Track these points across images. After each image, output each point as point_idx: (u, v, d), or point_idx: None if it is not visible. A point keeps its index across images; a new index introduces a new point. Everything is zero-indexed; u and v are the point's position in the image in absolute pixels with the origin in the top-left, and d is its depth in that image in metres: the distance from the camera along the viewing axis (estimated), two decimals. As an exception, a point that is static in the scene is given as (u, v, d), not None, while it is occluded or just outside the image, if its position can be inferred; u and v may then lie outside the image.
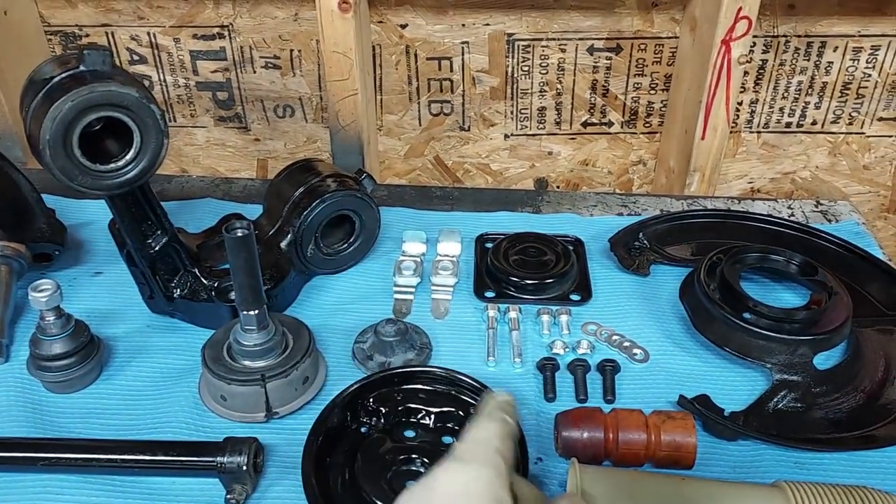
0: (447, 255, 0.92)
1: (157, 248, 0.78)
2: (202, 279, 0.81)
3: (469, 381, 0.71)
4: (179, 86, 1.28)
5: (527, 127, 1.29)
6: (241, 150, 1.33)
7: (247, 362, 0.71)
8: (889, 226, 1.36)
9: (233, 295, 0.76)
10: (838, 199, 1.03)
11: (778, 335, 0.74)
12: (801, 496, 0.57)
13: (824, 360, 0.77)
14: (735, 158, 1.29)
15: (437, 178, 1.35)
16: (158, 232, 0.77)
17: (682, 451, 0.65)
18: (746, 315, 0.76)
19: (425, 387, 0.72)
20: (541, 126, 1.29)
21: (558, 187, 1.34)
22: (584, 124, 1.28)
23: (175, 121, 1.31)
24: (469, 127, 1.29)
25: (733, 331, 0.76)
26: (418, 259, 0.91)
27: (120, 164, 0.69)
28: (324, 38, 1.05)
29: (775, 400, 0.72)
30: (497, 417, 0.53)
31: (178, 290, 0.81)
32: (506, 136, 1.30)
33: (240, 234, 0.64)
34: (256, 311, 0.69)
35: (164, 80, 1.27)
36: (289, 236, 0.84)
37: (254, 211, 0.95)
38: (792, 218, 0.98)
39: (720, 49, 1.01)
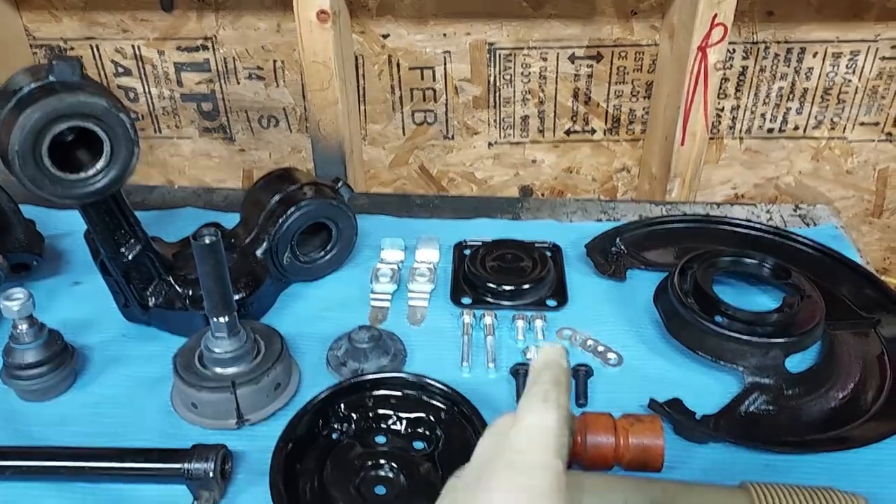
0: (425, 262, 0.93)
1: (130, 257, 0.78)
2: (176, 287, 0.81)
3: (439, 386, 0.71)
4: (164, 97, 1.29)
5: (510, 135, 1.29)
6: (226, 160, 1.34)
7: (217, 369, 0.71)
8: (874, 230, 1.36)
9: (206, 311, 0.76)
10: (819, 204, 1.03)
11: (750, 338, 0.74)
12: (765, 496, 0.57)
13: (798, 363, 0.77)
14: (718, 164, 1.30)
15: (422, 186, 1.35)
16: (132, 240, 0.78)
17: (651, 454, 0.65)
18: (719, 318, 0.76)
19: (396, 392, 0.72)
20: (524, 134, 1.29)
21: (543, 195, 1.35)
22: (568, 132, 1.29)
23: (160, 132, 1.32)
24: (453, 136, 1.30)
25: (706, 334, 0.76)
26: (395, 266, 0.92)
27: (90, 173, 0.69)
28: (303, 48, 1.06)
29: (747, 403, 0.72)
30: (556, 400, 0.47)
31: (153, 299, 0.81)
32: (489, 145, 1.31)
33: (207, 242, 0.65)
34: (226, 318, 0.69)
35: (150, 92, 1.28)
36: (264, 244, 0.85)
37: (235, 220, 0.96)
38: (770, 222, 0.98)
39: (697, 55, 1.02)
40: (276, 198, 0.86)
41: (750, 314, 0.75)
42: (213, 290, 0.67)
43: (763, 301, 0.86)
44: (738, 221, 0.94)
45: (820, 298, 0.79)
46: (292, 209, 0.84)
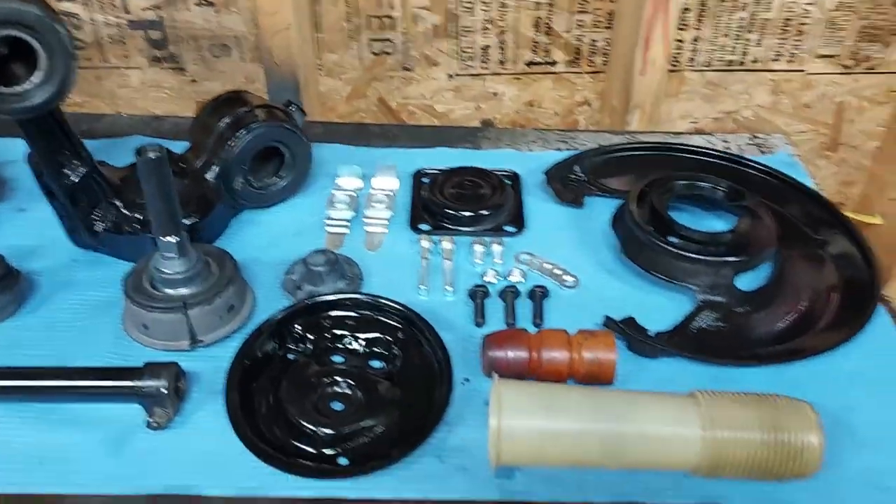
0: (383, 190, 0.91)
1: (75, 180, 0.75)
2: (124, 211, 0.79)
3: (395, 306, 0.71)
4: (111, 25, 1.23)
5: (471, 67, 1.27)
6: (177, 91, 1.29)
7: (168, 290, 0.70)
8: (830, 164, 1.38)
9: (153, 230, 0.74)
10: (775, 133, 1.04)
11: (702, 258, 0.75)
12: (709, 400, 0.59)
13: (749, 282, 0.79)
14: (679, 98, 1.29)
15: (381, 120, 1.33)
16: (75, 162, 0.75)
17: (603, 367, 0.66)
18: (673, 240, 0.77)
19: (352, 313, 0.72)
20: (485, 66, 1.27)
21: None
22: (529, 63, 1.27)
23: (108, 62, 1.27)
24: (412, 67, 1.27)
25: (660, 255, 0.77)
26: (353, 193, 0.90)
27: (27, 87, 0.66)
28: (254, -32, 1.02)
29: (698, 320, 0.73)
30: None
31: (101, 224, 0.79)
32: (450, 77, 1.28)
33: (152, 157, 0.63)
34: (175, 238, 0.68)
35: (94, 19, 1.23)
36: (215, 168, 0.83)
37: (184, 148, 0.93)
38: (728, 150, 0.99)
39: (658, -19, 1.00)
40: (226, 121, 0.84)
41: (703, 235, 0.76)
42: (160, 209, 0.66)
43: (718, 225, 0.87)
44: (694, 148, 0.95)
45: (772, 220, 0.80)
46: (242, 132, 0.82)
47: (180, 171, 0.84)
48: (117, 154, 0.96)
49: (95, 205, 0.78)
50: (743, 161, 0.93)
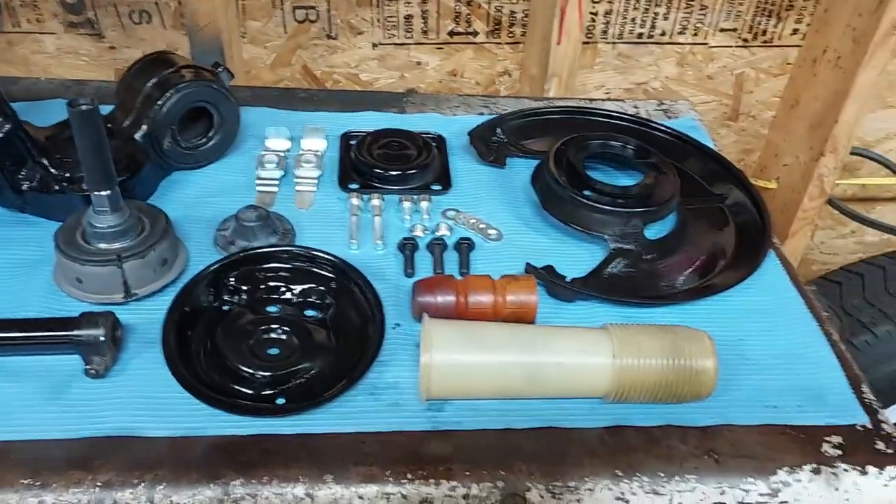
0: (311, 150, 0.94)
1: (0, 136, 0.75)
2: (52, 170, 0.79)
3: (328, 257, 0.74)
4: (23, -13, 1.20)
5: (394, 36, 1.30)
6: (96, 58, 1.27)
7: (102, 244, 0.70)
8: (731, 133, 1.48)
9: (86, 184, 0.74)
10: (681, 100, 1.11)
11: (613, 209, 0.81)
12: (619, 332, 0.65)
13: (656, 232, 0.86)
14: (593, 70, 1.36)
15: (304, 87, 1.34)
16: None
17: (525, 308, 0.71)
18: (588, 193, 0.82)
19: (286, 265, 0.75)
20: (408, 35, 1.30)
21: (428, 98, 1.37)
22: (451, 33, 1.31)
23: (19, 26, 1.24)
24: (336, 35, 1.29)
25: (576, 208, 0.82)
26: (282, 154, 0.92)
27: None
28: (176, -70, 1.01)
29: (611, 266, 0.80)
30: None
31: (27, 183, 0.78)
32: (374, 46, 1.31)
33: (84, 108, 0.63)
34: (108, 192, 0.69)
35: (5, -19, 1.19)
36: (143, 128, 0.83)
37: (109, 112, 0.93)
38: (638, 115, 1.06)
39: (572, -47, 1.06)
40: (153, 81, 0.84)
41: (615, 188, 0.83)
42: (93, 163, 0.66)
43: (629, 181, 0.94)
44: (607, 112, 1.01)
45: (675, 176, 0.87)
46: (170, 92, 0.83)
47: (108, 132, 0.84)
48: (38, 117, 0.94)
49: (21, 164, 0.78)
50: (650, 124, 1.00)
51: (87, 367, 0.64)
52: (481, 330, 0.65)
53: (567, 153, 0.86)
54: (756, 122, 1.46)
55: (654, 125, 0.99)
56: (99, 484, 0.58)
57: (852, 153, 1.39)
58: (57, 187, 0.79)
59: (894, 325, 1.26)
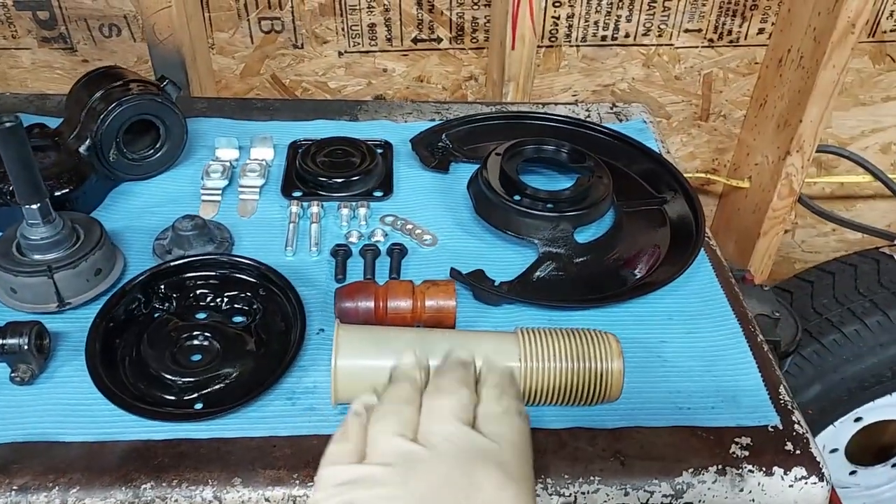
0: (257, 160, 0.96)
1: (-58, 153, 0.78)
2: (-4, 184, 0.81)
3: (253, 264, 0.76)
4: (-4, 5, 1.24)
5: (359, 44, 1.32)
6: (69, 71, 1.31)
7: (36, 256, 0.73)
8: (702, 133, 1.48)
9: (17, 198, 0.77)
10: (634, 103, 1.12)
11: (541, 213, 0.82)
12: (528, 336, 0.66)
13: (593, 234, 0.87)
14: (559, 73, 1.37)
15: (275, 97, 1.37)
16: (-58, 136, 0.77)
17: (444, 313, 0.73)
18: (517, 198, 0.83)
19: (213, 273, 0.77)
20: (373, 43, 1.32)
21: (396, 104, 1.39)
22: (415, 40, 1.32)
23: (-4, 42, 1.28)
24: (302, 44, 1.31)
25: (507, 213, 0.83)
26: (227, 164, 0.94)
27: None
28: (130, -52, 1.04)
29: (540, 270, 0.80)
30: (523, 414, 0.51)
31: (-29, 197, 0.81)
32: (340, 54, 1.33)
33: (7, 126, 0.66)
34: (38, 205, 0.71)
35: (-21, -1, 1.23)
36: (87, 141, 0.86)
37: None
38: (587, 119, 1.06)
39: (520, -41, 1.07)
40: (98, 94, 0.87)
41: (543, 192, 0.84)
42: (21, 176, 0.69)
43: (567, 185, 0.95)
44: (553, 116, 1.02)
45: (609, 179, 0.87)
46: (114, 105, 0.85)
47: (54, 145, 0.87)
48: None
49: (-35, 178, 0.81)
50: (595, 127, 1.00)
51: (13, 374, 0.66)
52: (389, 334, 0.66)
53: (501, 158, 0.88)
54: (728, 122, 1.46)
55: (599, 128, 1.00)
56: (15, 488, 0.60)
57: (821, 151, 1.38)
58: (1, 200, 0.82)
59: (862, 325, 1.25)
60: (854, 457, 1.46)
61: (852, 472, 1.48)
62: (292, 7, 1.26)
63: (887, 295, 1.27)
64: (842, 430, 1.38)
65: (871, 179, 1.42)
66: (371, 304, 0.72)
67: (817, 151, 1.34)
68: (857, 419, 1.37)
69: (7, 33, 1.27)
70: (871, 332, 1.24)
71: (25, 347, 0.66)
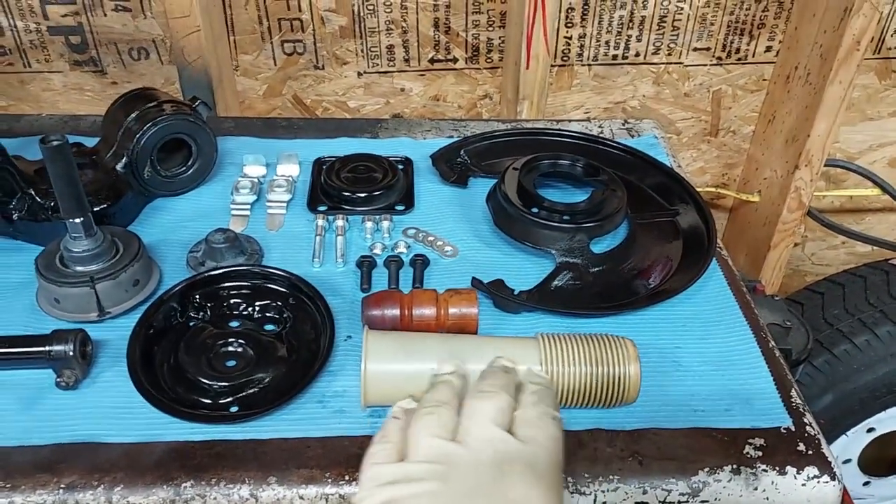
0: (284, 176, 1.00)
1: (-11, 171, 0.82)
2: (38, 200, 0.85)
3: (283, 275, 0.80)
4: (31, 31, 1.29)
5: (378, 64, 1.36)
6: (99, 93, 1.36)
7: (77, 267, 0.77)
8: (712, 148, 1.51)
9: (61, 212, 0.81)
10: (645, 119, 1.15)
11: (558, 225, 0.85)
12: (548, 341, 0.69)
13: (607, 245, 0.90)
14: (571, 91, 1.41)
15: (297, 116, 1.41)
16: (-11, 154, 0.82)
17: (466, 320, 0.76)
18: (535, 210, 0.87)
19: (246, 283, 0.80)
20: (391, 63, 1.36)
21: (413, 122, 1.43)
22: (431, 61, 1.37)
23: (30, 66, 1.33)
24: (323, 66, 1.36)
25: (525, 225, 0.87)
26: (255, 180, 0.98)
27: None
28: (161, -25, 1.09)
29: (557, 279, 0.84)
30: (557, 418, 0.54)
31: (17, 213, 0.85)
32: (359, 74, 1.37)
33: (55, 144, 0.70)
34: (81, 219, 0.75)
35: (15, 26, 1.28)
36: (123, 159, 0.90)
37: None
38: (601, 135, 1.10)
39: (534, -18, 1.11)
40: (134, 115, 0.91)
41: (560, 205, 0.87)
42: (65, 192, 0.73)
43: (581, 198, 0.98)
44: (568, 132, 1.06)
45: (623, 192, 0.91)
46: (149, 125, 0.90)
47: (91, 163, 0.92)
48: (35, 150, 1.02)
49: (11, 195, 0.85)
50: (608, 142, 1.04)
51: (59, 379, 0.70)
52: (416, 340, 0.69)
53: (518, 172, 0.91)
54: (737, 137, 1.49)
55: (612, 144, 1.03)
56: (63, 486, 0.64)
57: (830, 165, 1.41)
58: (44, 216, 0.86)
59: (873, 335, 1.27)
60: (868, 468, 1.47)
61: (866, 483, 1.49)
62: (314, 30, 1.31)
63: (897, 305, 1.29)
64: (854, 441, 1.40)
65: (879, 193, 1.45)
66: (397, 311, 0.75)
67: (826, 165, 1.36)
68: (870, 430, 1.38)
69: (40, 57, 1.32)
70: (882, 343, 1.26)
71: (70, 354, 0.70)
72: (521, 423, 0.52)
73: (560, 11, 1.30)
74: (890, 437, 1.41)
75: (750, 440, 0.69)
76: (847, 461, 1.43)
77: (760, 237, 1.46)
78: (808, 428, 0.70)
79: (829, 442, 1.33)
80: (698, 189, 1.51)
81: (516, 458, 0.49)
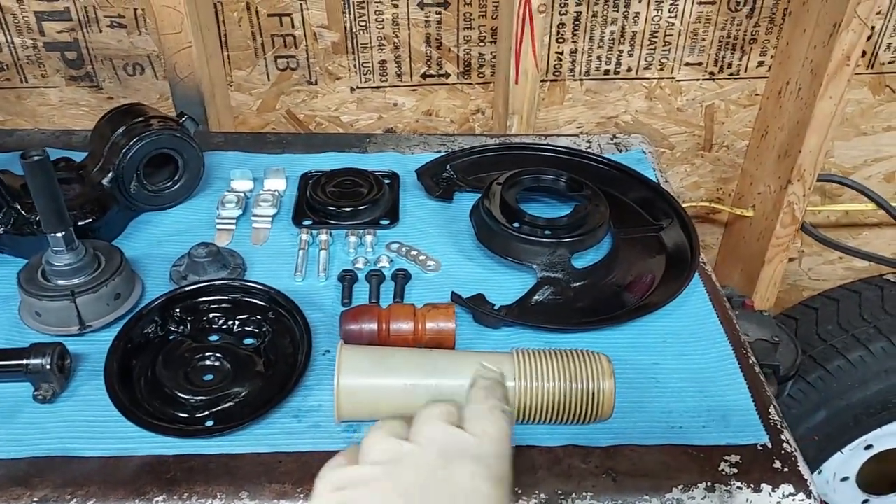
0: (270, 190, 1.00)
1: (-25, 186, 0.83)
2: (24, 214, 0.86)
3: (262, 289, 0.80)
4: (28, 47, 1.30)
5: (370, 80, 1.37)
6: (95, 108, 1.37)
7: (59, 281, 0.77)
8: (706, 163, 1.51)
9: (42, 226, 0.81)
10: (633, 133, 1.15)
11: (538, 239, 0.85)
12: (522, 356, 0.69)
13: (590, 260, 0.90)
14: (563, 105, 1.41)
15: (290, 131, 1.42)
16: (-25, 170, 0.83)
17: (444, 335, 0.76)
18: (515, 225, 0.87)
19: (225, 297, 0.81)
20: (383, 78, 1.37)
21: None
22: (424, 76, 1.37)
23: (27, 82, 1.34)
24: (316, 81, 1.37)
25: (506, 239, 0.87)
26: (242, 194, 0.99)
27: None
28: (152, -7, 1.11)
29: (538, 294, 0.84)
30: (506, 412, 0.54)
31: (2, 226, 0.86)
32: (352, 89, 1.38)
33: (35, 159, 0.71)
34: (62, 233, 0.76)
35: (12, 42, 1.30)
36: (110, 174, 0.91)
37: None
38: (588, 149, 1.10)
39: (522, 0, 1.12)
40: (121, 130, 0.92)
41: (541, 220, 0.87)
42: (47, 207, 0.74)
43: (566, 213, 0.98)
44: (552, 147, 1.06)
45: (606, 207, 0.91)
46: (135, 140, 0.91)
47: (78, 177, 0.93)
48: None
49: (-3, 209, 0.86)
50: (594, 157, 1.04)
51: (36, 392, 0.70)
52: (388, 354, 0.69)
53: (501, 187, 0.91)
54: (731, 152, 1.49)
55: (597, 158, 1.04)
56: (35, 500, 0.64)
57: (824, 179, 1.40)
58: (29, 230, 0.87)
59: (867, 351, 1.26)
60: (868, 486, 1.45)
61: (865, 501, 1.48)
62: (307, 46, 1.32)
63: (891, 321, 1.29)
64: (852, 458, 1.38)
65: (874, 208, 1.44)
66: (374, 326, 0.75)
67: (819, 180, 1.36)
68: (868, 447, 1.37)
69: (37, 72, 1.33)
70: (876, 358, 1.25)
71: (48, 367, 0.70)
72: (470, 418, 0.53)
73: (551, 27, 1.31)
74: (889, 454, 1.39)
75: (726, 457, 0.68)
76: (845, 479, 1.42)
77: (755, 252, 1.45)
78: (784, 445, 0.69)
79: (824, 459, 1.32)
80: (692, 204, 1.53)
81: (465, 451, 0.49)
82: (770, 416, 0.72)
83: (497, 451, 0.51)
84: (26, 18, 1.27)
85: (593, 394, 0.67)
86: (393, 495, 0.46)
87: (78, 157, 1.06)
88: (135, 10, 1.27)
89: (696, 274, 0.87)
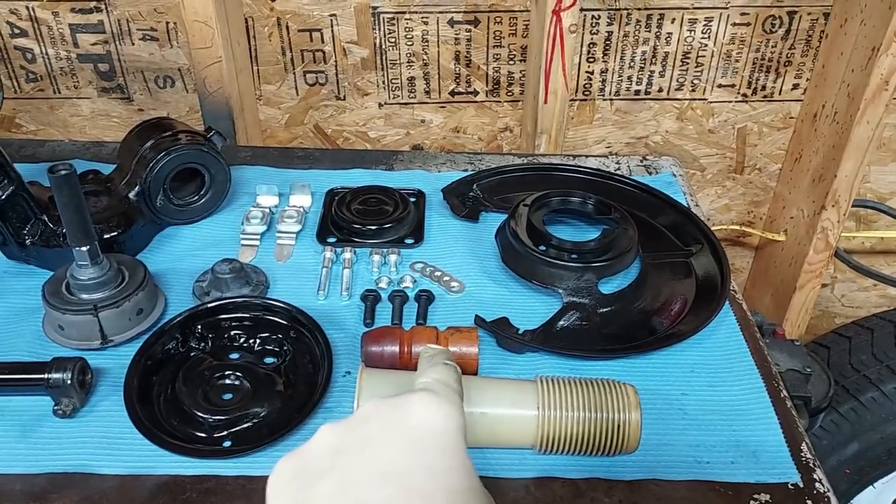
0: (295, 206, 1.00)
1: (3, 197, 0.84)
2: (51, 226, 0.87)
3: (284, 307, 0.80)
4: (61, 58, 1.32)
5: (399, 96, 1.37)
6: (125, 120, 1.38)
7: (82, 295, 0.77)
8: (737, 185, 1.48)
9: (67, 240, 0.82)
10: (664, 156, 1.13)
11: (566, 263, 0.83)
12: (547, 384, 0.67)
13: (618, 285, 0.88)
14: (592, 125, 1.40)
15: (318, 145, 1.42)
16: (4, 181, 0.83)
17: (466, 359, 0.74)
18: (541, 248, 0.85)
19: (247, 314, 0.80)
20: (412, 95, 1.37)
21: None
22: (452, 93, 1.37)
23: (59, 92, 1.36)
24: (345, 96, 1.37)
25: (532, 262, 0.85)
26: (267, 210, 0.99)
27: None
28: (184, 7, 1.11)
29: (563, 319, 0.82)
30: (450, 364, 0.56)
31: (30, 238, 0.87)
32: (380, 105, 1.38)
33: (63, 173, 0.71)
34: (87, 247, 0.76)
35: (46, 53, 1.32)
36: (136, 187, 0.91)
37: (118, 170, 1.01)
38: (617, 171, 1.08)
39: (552, 19, 1.11)
40: (149, 144, 0.92)
41: (568, 243, 0.85)
42: (73, 220, 0.74)
43: (594, 236, 0.96)
44: (580, 168, 1.04)
45: (635, 231, 0.89)
46: (162, 154, 0.91)
47: (105, 190, 0.93)
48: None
49: (25, 221, 0.87)
50: (624, 180, 1.02)
51: (56, 407, 0.70)
52: (410, 378, 0.68)
53: (528, 209, 0.90)
54: (763, 175, 1.46)
55: (627, 181, 1.02)
56: (51, 516, 0.64)
57: (859, 205, 1.37)
58: (56, 242, 0.87)
59: (902, 383, 1.22)
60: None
61: (897, 537, 1.43)
62: (336, 61, 1.32)
63: (928, 353, 1.25)
64: (885, 492, 1.34)
65: (911, 234, 1.40)
66: (396, 348, 0.74)
67: (854, 206, 1.33)
68: (901, 481, 1.32)
69: (70, 83, 1.35)
70: (911, 391, 1.21)
71: (69, 382, 0.70)
72: (416, 379, 0.54)
73: (581, 46, 1.29)
74: (924, 490, 1.35)
75: (755, 496, 0.66)
76: (877, 514, 1.37)
77: (786, 278, 1.42)
78: (817, 485, 0.67)
79: (856, 493, 1.28)
80: (723, 227, 1.50)
81: (414, 392, 0.49)
82: (802, 454, 0.69)
83: (449, 388, 0.51)
84: (61, 30, 1.29)
85: (619, 426, 0.66)
86: (348, 455, 0.45)
87: (107, 169, 1.06)
88: (167, 23, 1.28)
89: (727, 302, 0.85)
